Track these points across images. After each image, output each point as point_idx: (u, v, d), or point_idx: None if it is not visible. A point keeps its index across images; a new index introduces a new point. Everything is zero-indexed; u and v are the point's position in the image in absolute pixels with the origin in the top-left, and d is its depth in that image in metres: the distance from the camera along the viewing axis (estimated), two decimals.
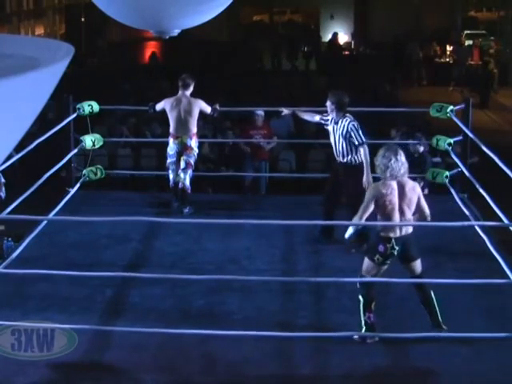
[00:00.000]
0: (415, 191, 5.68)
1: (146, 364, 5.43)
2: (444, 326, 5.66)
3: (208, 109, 8.39)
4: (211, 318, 6.06)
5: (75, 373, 5.42)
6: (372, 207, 5.62)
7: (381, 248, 5.61)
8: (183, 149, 8.27)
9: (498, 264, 6.46)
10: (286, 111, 8.17)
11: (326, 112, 7.51)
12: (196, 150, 8.35)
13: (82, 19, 29.73)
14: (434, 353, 5.53)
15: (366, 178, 7.23)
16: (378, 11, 28.83)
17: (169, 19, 4.82)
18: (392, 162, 5.60)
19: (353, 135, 7.26)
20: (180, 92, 8.31)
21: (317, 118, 7.73)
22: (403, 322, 5.78)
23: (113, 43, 27.64)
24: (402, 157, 5.67)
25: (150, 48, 26.41)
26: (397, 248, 5.59)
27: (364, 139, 7.30)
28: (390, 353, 5.61)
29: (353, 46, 29.22)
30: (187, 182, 8.29)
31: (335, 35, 26.61)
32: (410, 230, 5.67)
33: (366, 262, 5.72)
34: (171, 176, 8.37)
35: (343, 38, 28.83)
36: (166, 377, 5.36)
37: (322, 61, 25.36)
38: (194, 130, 8.27)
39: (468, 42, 25.84)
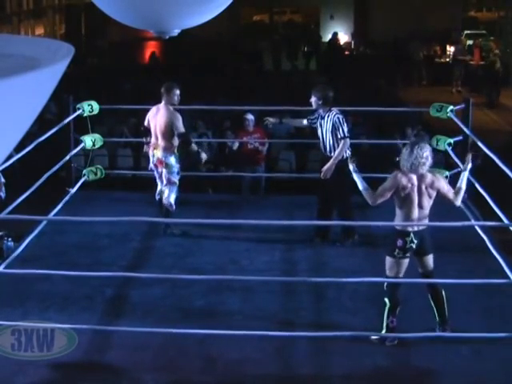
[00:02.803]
0: (437, 185, 5.71)
1: (146, 364, 5.44)
2: (449, 326, 5.69)
3: (180, 129, 7.54)
4: (211, 318, 6.07)
5: (75, 373, 5.42)
6: (388, 196, 5.66)
7: (399, 242, 5.63)
8: (158, 163, 7.68)
9: (498, 264, 6.46)
10: (271, 120, 8.16)
11: (311, 112, 7.59)
12: (175, 166, 7.66)
13: (82, 19, 29.74)
14: (434, 353, 5.53)
15: (328, 167, 7.32)
16: (378, 11, 28.82)
17: (169, 19, 4.82)
18: (418, 154, 5.64)
19: (337, 128, 7.31)
20: (162, 101, 7.70)
21: (304, 121, 7.79)
22: (403, 322, 5.77)
23: (113, 43, 27.63)
24: (426, 151, 5.70)
25: (150, 48, 26.42)
26: (415, 241, 5.63)
27: (347, 133, 7.36)
28: (391, 353, 5.62)
29: (353, 46, 29.21)
30: (171, 199, 7.63)
31: (335, 35, 26.62)
32: (426, 222, 5.71)
33: (387, 260, 5.74)
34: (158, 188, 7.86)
35: (343, 37, 28.83)
36: (166, 377, 5.37)
37: (321, 61, 25.36)
38: (169, 143, 7.58)
39: (468, 42, 25.81)
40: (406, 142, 6.36)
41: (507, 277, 6.08)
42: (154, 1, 4.67)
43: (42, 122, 10.66)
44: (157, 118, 7.67)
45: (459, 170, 8.17)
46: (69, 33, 29.52)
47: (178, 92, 7.69)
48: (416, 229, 5.65)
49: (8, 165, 6.66)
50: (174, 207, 7.64)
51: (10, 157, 6.39)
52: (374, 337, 5.68)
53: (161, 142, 7.62)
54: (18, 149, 7.02)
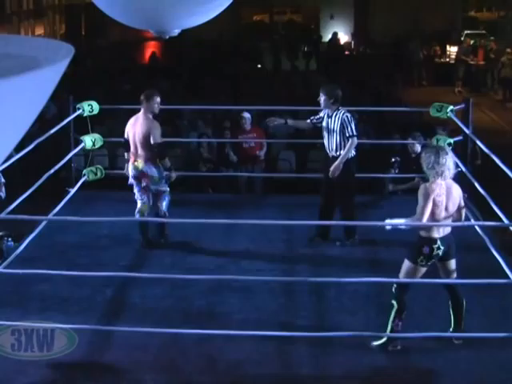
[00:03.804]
0: (459, 192, 5.70)
1: (146, 364, 5.44)
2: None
3: (156, 139, 7.24)
4: (211, 318, 6.07)
5: (75, 373, 5.43)
6: (430, 207, 5.49)
7: (426, 250, 5.53)
8: (140, 175, 7.36)
9: (498, 264, 6.46)
10: (276, 122, 8.08)
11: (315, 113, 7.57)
12: (161, 175, 7.40)
13: (82, 19, 29.76)
14: (435, 353, 5.53)
15: (337, 165, 7.28)
16: (378, 11, 28.83)
17: (169, 19, 4.82)
18: (445, 161, 5.58)
19: (345, 126, 7.29)
20: (142, 109, 7.45)
21: (308, 121, 7.75)
22: (404, 322, 5.76)
23: (113, 43, 27.64)
24: (449, 157, 5.68)
25: (150, 48, 26.43)
26: (442, 248, 5.55)
27: (355, 132, 7.34)
28: (391, 353, 5.61)
29: (353, 46, 29.22)
30: (163, 208, 7.46)
31: (335, 35, 26.62)
32: (450, 228, 5.65)
33: (407, 264, 5.62)
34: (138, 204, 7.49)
35: (343, 38, 28.83)
36: (166, 377, 5.37)
37: (321, 61, 25.37)
38: (151, 153, 7.29)
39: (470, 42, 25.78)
40: (427, 147, 6.16)
41: (507, 277, 6.08)
42: (154, 1, 4.67)
43: (42, 122, 10.65)
44: (136, 127, 7.35)
45: (459, 170, 8.20)
46: (69, 33, 29.54)
47: (158, 100, 7.41)
48: (442, 235, 5.58)
49: (8, 165, 6.67)
50: (167, 214, 7.46)
51: (10, 157, 6.39)
52: (375, 343, 5.63)
53: (141, 153, 7.30)
54: (17, 149, 7.01)
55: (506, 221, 6.23)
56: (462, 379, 5.34)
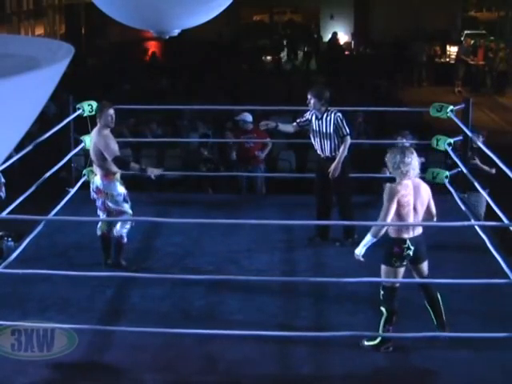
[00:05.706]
0: (427, 191, 5.66)
1: (146, 364, 5.43)
2: (447, 328, 5.66)
3: (110, 156, 6.73)
4: (211, 318, 6.07)
5: (75, 373, 5.42)
6: (394, 208, 5.48)
7: (396, 250, 5.52)
8: (97, 191, 6.90)
9: (498, 264, 6.46)
10: (268, 125, 8.04)
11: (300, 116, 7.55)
12: (120, 194, 6.87)
13: (82, 19, 29.75)
14: (434, 353, 5.53)
15: (336, 166, 7.28)
16: (378, 11, 28.82)
17: (169, 19, 4.82)
18: (411, 160, 5.55)
19: (339, 128, 7.29)
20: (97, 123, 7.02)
21: (294, 124, 7.72)
22: (403, 322, 5.77)
23: (113, 43, 27.63)
24: (414, 156, 5.64)
25: (150, 48, 26.43)
26: (412, 248, 5.53)
27: (349, 131, 7.35)
28: (390, 353, 5.61)
29: (353, 46, 29.21)
30: (123, 231, 6.92)
31: (335, 35, 26.62)
32: (421, 230, 5.63)
33: (384, 269, 5.62)
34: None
35: (343, 38, 28.82)
36: (166, 377, 5.37)
37: (321, 61, 25.37)
38: (105, 170, 6.82)
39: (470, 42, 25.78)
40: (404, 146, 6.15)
41: (507, 277, 6.08)
42: (153, 1, 4.66)
43: (42, 122, 10.66)
44: (91, 141, 7.03)
45: (459, 169, 8.20)
46: (69, 33, 29.51)
47: (110, 112, 6.87)
48: (412, 235, 5.56)
49: (8, 165, 6.67)
50: (126, 240, 6.96)
51: (9, 157, 6.39)
52: (366, 343, 5.63)
53: (96, 169, 6.95)
54: (17, 149, 7.01)
55: (506, 221, 6.22)
56: (462, 379, 5.34)
